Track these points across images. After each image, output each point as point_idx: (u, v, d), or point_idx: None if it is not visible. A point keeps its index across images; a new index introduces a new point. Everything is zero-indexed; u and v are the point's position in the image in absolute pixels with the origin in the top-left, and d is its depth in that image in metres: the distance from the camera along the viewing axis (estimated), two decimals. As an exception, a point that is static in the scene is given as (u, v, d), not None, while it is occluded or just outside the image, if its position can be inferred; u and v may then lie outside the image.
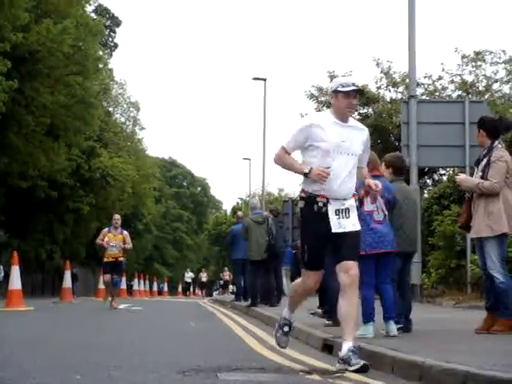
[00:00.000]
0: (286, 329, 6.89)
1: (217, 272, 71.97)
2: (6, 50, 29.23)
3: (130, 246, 18.61)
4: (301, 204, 6.49)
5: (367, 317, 8.02)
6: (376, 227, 7.98)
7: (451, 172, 26.15)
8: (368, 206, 8.01)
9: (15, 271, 17.27)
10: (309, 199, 6.39)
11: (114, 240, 18.27)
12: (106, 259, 18.40)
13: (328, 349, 7.68)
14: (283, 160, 6.63)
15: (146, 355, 7.42)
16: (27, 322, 13.45)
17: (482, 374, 5.07)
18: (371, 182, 6.79)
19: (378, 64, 31.26)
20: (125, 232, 18.76)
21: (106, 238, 18.35)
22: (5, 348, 8.14)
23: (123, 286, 36.14)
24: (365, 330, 7.95)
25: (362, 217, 7.75)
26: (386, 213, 8.07)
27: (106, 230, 18.94)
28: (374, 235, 7.95)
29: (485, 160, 8.56)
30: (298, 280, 6.79)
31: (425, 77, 30.04)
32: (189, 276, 60.65)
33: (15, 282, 17.16)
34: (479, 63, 29.58)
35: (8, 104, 29.97)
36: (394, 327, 8.04)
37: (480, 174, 8.53)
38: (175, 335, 10.41)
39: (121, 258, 18.45)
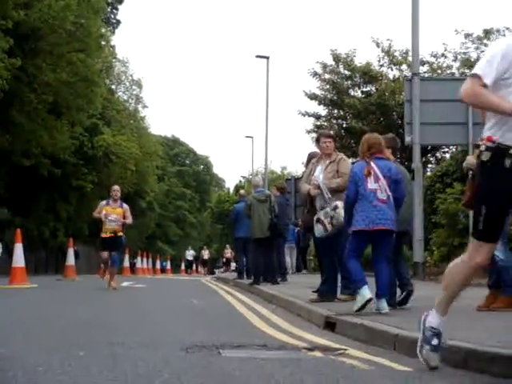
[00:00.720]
0: (434, 341, 5.06)
1: (219, 250, 72.06)
2: (8, 27, 29.14)
3: (130, 220, 16.85)
4: (485, 156, 4.87)
5: (360, 282, 8.18)
6: (379, 205, 8.14)
7: (454, 150, 26.10)
8: (372, 184, 8.19)
9: (18, 249, 17.31)
10: (498, 151, 4.80)
11: (113, 214, 16.59)
12: (103, 235, 16.66)
13: (330, 326, 7.70)
14: (477, 95, 4.90)
15: (149, 332, 7.45)
16: (30, 299, 13.49)
17: (484, 351, 5.09)
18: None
19: (377, 44, 31.21)
20: (125, 205, 16.97)
21: (104, 212, 16.56)
22: (8, 325, 8.18)
23: (126, 263, 36.34)
24: (361, 293, 8.08)
25: (366, 194, 8.14)
26: (390, 194, 8.20)
27: (103, 202, 17.14)
28: (376, 212, 8.11)
29: None
30: (457, 260, 5.26)
31: (431, 56, 29.96)
32: (190, 254, 60.19)
33: (19, 260, 17.21)
34: (484, 41, 29.44)
35: (11, 82, 29.91)
36: (385, 305, 8.11)
37: None
38: (178, 312, 10.44)
39: (120, 233, 16.65)
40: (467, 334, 5.81)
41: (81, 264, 38.12)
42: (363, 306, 8.03)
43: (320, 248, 10.46)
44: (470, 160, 9.14)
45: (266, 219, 15.70)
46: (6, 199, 37.83)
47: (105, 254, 16.67)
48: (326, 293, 10.08)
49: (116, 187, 17.20)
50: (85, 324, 8.29)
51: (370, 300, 8.04)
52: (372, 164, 8.26)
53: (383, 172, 8.21)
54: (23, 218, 39.81)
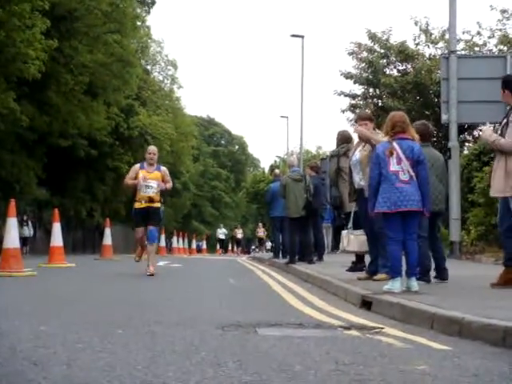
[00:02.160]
0: None
1: (255, 230, 72.27)
2: (45, 8, 29.29)
3: (170, 184, 13.94)
4: None
5: (395, 272, 8.23)
6: (401, 186, 8.16)
7: (492, 128, 25.79)
8: (394, 166, 8.22)
9: (56, 228, 17.45)
10: None
11: (151, 178, 13.56)
12: (137, 205, 13.55)
13: (367, 305, 7.70)
14: None
15: (186, 311, 7.50)
16: (69, 278, 13.65)
17: (523, 330, 5.06)
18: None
19: (416, 22, 30.95)
20: (162, 168, 13.97)
21: (141, 175, 13.51)
22: (47, 303, 8.29)
23: (162, 242, 36.42)
24: (392, 284, 8.12)
25: (388, 176, 8.19)
26: (413, 174, 8.21)
27: (137, 166, 14.05)
28: (399, 194, 8.13)
29: (505, 120, 8.62)
30: None
31: (463, 32, 29.58)
32: (222, 232, 57.32)
33: (56, 239, 17.36)
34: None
35: (48, 63, 30.12)
36: (414, 283, 8.16)
37: (499, 133, 8.65)
38: (214, 291, 10.50)
39: (157, 204, 13.58)
40: (506, 313, 5.77)
41: (117, 244, 38.48)
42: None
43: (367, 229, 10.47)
44: (486, 128, 9.11)
45: (302, 198, 15.68)
46: (44, 179, 38.23)
47: (140, 231, 13.72)
48: (374, 272, 10.13)
49: (152, 148, 14.24)
50: (122, 302, 8.38)
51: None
52: (395, 144, 8.27)
53: (406, 153, 8.22)
54: (61, 198, 40.26)
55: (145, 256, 14.19)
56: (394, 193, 8.12)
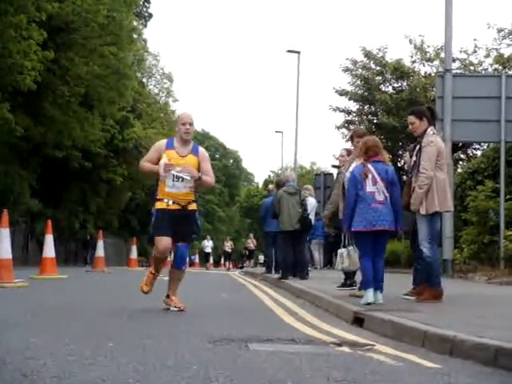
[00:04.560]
0: None
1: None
2: (42, 20, 29.36)
3: (211, 179, 9.09)
4: None
5: (367, 284, 8.71)
6: (376, 207, 8.59)
7: (486, 147, 25.88)
8: (370, 187, 8.65)
9: (49, 240, 17.44)
10: None
11: (181, 164, 8.71)
12: (161, 205, 8.73)
13: (358, 322, 7.69)
14: None
15: (178, 325, 7.48)
16: (61, 289, 13.61)
17: (514, 349, 5.05)
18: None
19: (410, 41, 31.10)
20: (201, 150, 9.08)
21: (165, 159, 8.69)
22: (38, 315, 8.26)
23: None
24: (366, 295, 8.61)
25: (365, 197, 8.63)
26: (387, 194, 8.64)
27: (162, 142, 9.07)
28: (374, 214, 8.57)
29: (418, 146, 9.34)
30: None
31: (460, 51, 29.70)
32: (208, 245, 52.42)
33: (49, 251, 17.34)
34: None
35: (43, 74, 30.16)
36: (379, 296, 8.65)
37: (414, 158, 9.26)
38: (206, 306, 10.47)
39: (192, 206, 8.97)
40: (498, 332, 5.77)
41: (110, 256, 38.39)
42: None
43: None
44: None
45: (296, 212, 15.68)
46: (37, 190, 38.17)
47: (165, 241, 8.73)
48: None
49: (189, 116, 9.21)
50: (114, 315, 8.35)
51: (370, 304, 8.47)
52: (370, 167, 8.70)
53: (381, 175, 8.67)
54: (54, 210, 40.18)
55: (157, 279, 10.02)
56: (370, 213, 8.54)
